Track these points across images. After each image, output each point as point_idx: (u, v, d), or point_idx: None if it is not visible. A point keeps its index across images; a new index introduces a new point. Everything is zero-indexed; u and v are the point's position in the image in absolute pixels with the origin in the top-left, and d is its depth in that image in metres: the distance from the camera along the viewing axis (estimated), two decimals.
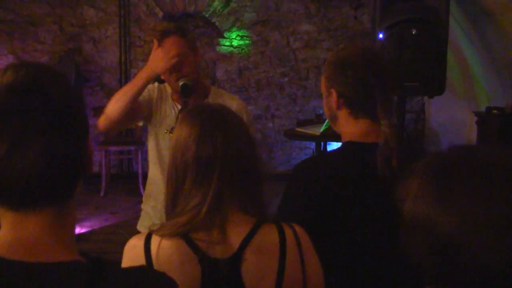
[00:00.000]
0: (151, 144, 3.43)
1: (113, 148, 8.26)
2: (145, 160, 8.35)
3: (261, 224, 1.87)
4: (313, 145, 7.30)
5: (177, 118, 2.91)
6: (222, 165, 1.82)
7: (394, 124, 2.23)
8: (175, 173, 1.89)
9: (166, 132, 3.27)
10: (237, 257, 1.80)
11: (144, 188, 7.58)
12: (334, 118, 2.35)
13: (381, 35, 4.98)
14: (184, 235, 1.81)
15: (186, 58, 3.18)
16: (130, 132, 8.48)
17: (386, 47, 4.79)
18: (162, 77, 3.26)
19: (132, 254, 1.84)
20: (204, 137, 1.84)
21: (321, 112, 7.71)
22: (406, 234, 1.32)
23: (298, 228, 1.93)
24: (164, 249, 1.81)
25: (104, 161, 7.98)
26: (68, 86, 1.28)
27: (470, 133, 5.74)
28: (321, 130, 6.10)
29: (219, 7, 8.41)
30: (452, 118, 6.42)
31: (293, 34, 8.57)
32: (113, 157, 8.57)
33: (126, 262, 1.84)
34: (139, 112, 3.30)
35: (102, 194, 7.89)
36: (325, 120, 6.20)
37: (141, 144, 8.13)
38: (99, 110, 8.62)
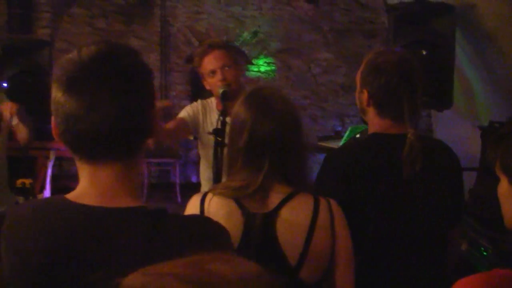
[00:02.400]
0: (202, 152, 3.59)
1: (153, 160, 8.34)
2: (181, 172, 8.55)
3: (298, 192, 1.95)
4: None
5: (218, 121, 3.04)
6: (273, 146, 1.91)
7: (418, 129, 2.31)
8: (232, 150, 2.01)
9: (208, 133, 3.33)
10: (274, 213, 1.90)
11: (181, 197, 7.68)
12: (363, 112, 2.41)
13: None
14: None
15: (229, 69, 3.30)
16: (169, 146, 8.62)
17: None
18: (207, 87, 3.41)
19: (190, 207, 1.97)
20: (257, 120, 1.93)
21: (339, 129, 7.83)
22: None
23: (333, 201, 1.98)
24: (214, 203, 1.92)
25: (146, 171, 8.09)
26: (139, 59, 1.37)
27: (473, 147, 5.79)
28: (341, 143, 6.20)
29: (248, 37, 8.56)
30: (456, 134, 6.46)
31: (314, 61, 8.69)
32: (154, 168, 8.65)
33: (186, 213, 1.96)
34: (186, 129, 3.48)
35: (143, 199, 7.89)
36: (343, 136, 6.30)
37: (179, 157, 8.24)
38: None
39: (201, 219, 1.50)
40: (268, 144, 1.91)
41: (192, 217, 1.53)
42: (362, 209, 2.23)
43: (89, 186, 1.34)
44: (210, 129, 3.42)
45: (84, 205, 1.30)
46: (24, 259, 1.31)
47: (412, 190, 2.27)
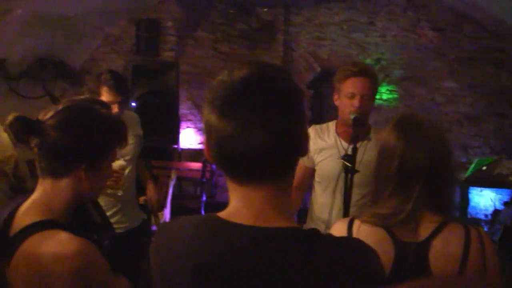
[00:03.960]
0: (318, 177, 3.61)
1: None
2: None
3: (448, 221, 1.94)
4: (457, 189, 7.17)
5: (351, 149, 3.03)
6: (424, 173, 1.91)
7: None
8: (380, 177, 2.02)
9: (338, 158, 3.31)
10: (426, 243, 1.89)
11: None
12: None
13: None
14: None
15: (368, 99, 3.31)
16: None
17: None
18: (336, 103, 3.42)
19: (335, 233, 1.96)
20: (409, 147, 1.93)
21: (463, 160, 7.59)
22: None
23: (482, 230, 1.96)
24: (363, 231, 1.92)
25: None
26: (291, 80, 1.36)
27: None
28: (466, 175, 6.02)
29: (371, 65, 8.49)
30: None
31: (437, 90, 8.43)
32: None
33: None
34: (310, 172, 3.64)
35: None
36: (468, 168, 6.13)
37: None
38: None
39: (355, 241, 1.46)
40: (419, 171, 1.90)
41: (346, 239, 1.50)
42: None
43: (242, 206, 1.34)
44: (323, 151, 3.51)
45: (239, 224, 1.31)
46: (178, 276, 1.33)
47: None
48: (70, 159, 1.89)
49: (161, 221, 5.92)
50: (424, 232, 1.90)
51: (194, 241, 1.33)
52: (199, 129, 8.55)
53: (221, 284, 1.27)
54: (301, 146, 1.36)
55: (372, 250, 1.35)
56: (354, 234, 1.92)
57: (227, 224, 1.32)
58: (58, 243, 1.72)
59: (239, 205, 1.35)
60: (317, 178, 3.62)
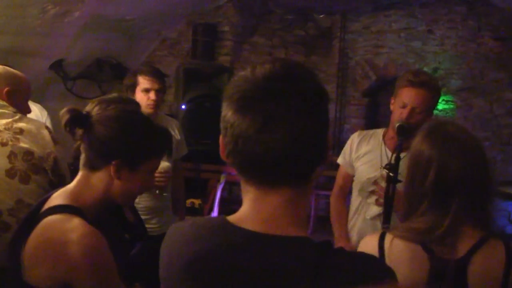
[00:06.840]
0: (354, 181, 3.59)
1: (322, 192, 8.26)
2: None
3: (489, 238, 1.81)
4: (510, 206, 6.98)
5: (391, 156, 2.98)
6: (463, 186, 1.79)
7: None
8: (413, 190, 1.89)
9: (380, 167, 3.27)
10: (465, 260, 1.76)
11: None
12: None
13: None
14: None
15: (419, 113, 3.17)
16: None
17: None
18: (391, 107, 3.33)
19: (366, 246, 1.88)
20: (445, 158, 1.81)
21: None
22: None
23: None
24: (397, 245, 1.81)
25: (313, 203, 8.08)
26: (315, 79, 1.27)
27: None
28: None
29: None
30: None
31: (497, 101, 8.19)
32: (322, 201, 8.58)
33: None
34: (352, 177, 3.60)
35: (309, 231, 7.84)
36: None
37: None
38: None
39: (368, 256, 1.33)
40: (457, 184, 1.79)
41: (359, 254, 1.36)
42: None
43: (252, 210, 1.27)
44: (365, 156, 3.49)
45: (244, 229, 1.24)
46: (171, 273, 1.31)
47: None
48: (103, 152, 1.93)
49: None
50: (463, 248, 1.79)
51: (191, 240, 1.28)
52: None
53: (210, 281, 1.22)
54: (322, 153, 1.28)
55: (387, 267, 1.24)
56: (386, 249, 1.81)
57: (232, 228, 1.26)
58: (68, 227, 1.76)
59: (249, 209, 1.27)
60: (353, 182, 3.59)
